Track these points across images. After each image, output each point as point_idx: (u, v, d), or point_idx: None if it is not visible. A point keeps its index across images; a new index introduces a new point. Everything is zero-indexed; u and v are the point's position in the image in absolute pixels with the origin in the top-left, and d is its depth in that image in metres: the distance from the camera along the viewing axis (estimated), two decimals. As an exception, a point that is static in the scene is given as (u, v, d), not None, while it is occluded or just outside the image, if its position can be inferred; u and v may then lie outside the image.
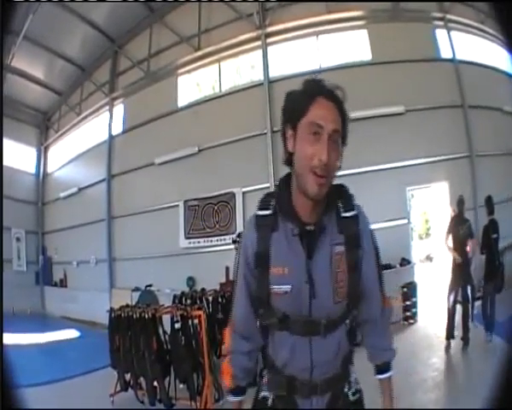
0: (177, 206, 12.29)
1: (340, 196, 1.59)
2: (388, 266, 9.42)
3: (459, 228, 6.66)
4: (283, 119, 1.54)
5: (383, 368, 1.77)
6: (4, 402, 1.32)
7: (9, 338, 10.24)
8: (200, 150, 12.04)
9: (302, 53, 11.16)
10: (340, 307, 1.56)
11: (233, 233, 10.76)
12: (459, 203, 6.85)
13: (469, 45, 11.02)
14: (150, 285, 10.43)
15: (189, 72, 13.02)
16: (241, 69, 12.13)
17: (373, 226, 5.94)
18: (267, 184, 10.84)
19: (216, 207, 11.64)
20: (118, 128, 15.15)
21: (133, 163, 13.43)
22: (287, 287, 1.51)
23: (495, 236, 6.65)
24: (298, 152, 1.47)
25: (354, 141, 6.75)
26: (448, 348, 6.64)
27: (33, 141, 19.87)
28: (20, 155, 19.13)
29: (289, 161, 1.54)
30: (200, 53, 12.41)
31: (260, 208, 1.58)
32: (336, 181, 5.86)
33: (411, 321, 8.95)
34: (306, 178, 1.44)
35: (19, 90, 16.54)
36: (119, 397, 5.93)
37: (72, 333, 12.41)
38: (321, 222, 1.52)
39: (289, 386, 1.61)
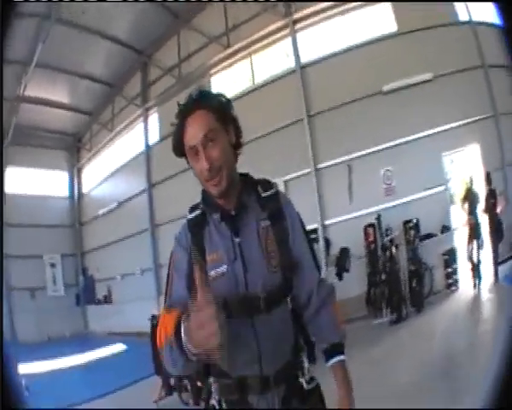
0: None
1: (257, 181, 1.81)
2: (430, 236, 9.96)
3: (472, 197, 9.15)
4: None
5: (332, 352, 1.78)
6: (4, 402, 1.34)
7: (46, 365, 11.10)
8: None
9: (331, 34, 11.58)
10: (277, 278, 1.66)
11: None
12: (470, 181, 9.30)
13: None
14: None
15: (221, 70, 13.69)
16: (273, 59, 12.60)
17: (413, 197, 6.77)
18: (308, 170, 11.45)
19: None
20: (154, 137, 16.00)
21: (173, 169, 13.89)
22: (222, 268, 1.63)
23: (492, 201, 9.05)
24: (193, 170, 1.68)
25: (385, 115, 7.69)
26: (475, 286, 8.93)
27: (64, 165, 20.89)
28: (49, 182, 20.15)
29: None
30: (230, 50, 13.06)
31: (190, 212, 1.77)
32: (373, 156, 8.84)
33: (453, 288, 9.38)
34: (206, 186, 1.66)
35: (44, 118, 17.51)
36: (164, 402, 6.35)
37: (118, 347, 13.13)
38: (241, 204, 1.71)
39: (240, 387, 1.64)
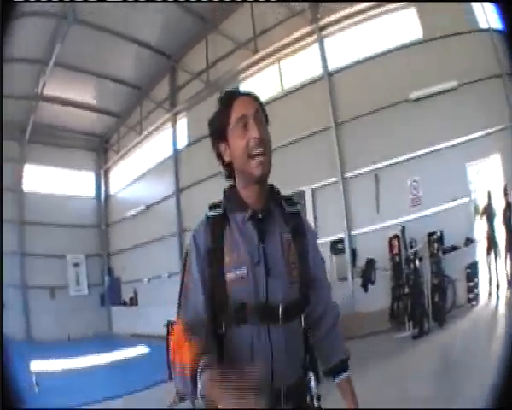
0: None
1: (281, 195, 1.82)
2: (454, 248, 9.85)
3: (489, 211, 9.64)
4: (213, 139, 1.73)
5: (340, 368, 1.84)
6: (4, 402, 1.34)
7: (65, 363, 11.28)
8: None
9: (357, 40, 11.55)
10: (295, 290, 1.67)
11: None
12: (488, 197, 9.73)
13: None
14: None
15: (249, 76, 13.84)
16: (301, 66, 12.64)
17: (438, 208, 7.55)
18: (335, 179, 11.49)
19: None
20: (183, 141, 16.28)
21: (201, 174, 14.22)
22: (242, 270, 1.61)
23: (509, 214, 9.41)
24: (234, 150, 1.65)
25: (411, 124, 9.18)
26: (490, 291, 9.39)
27: (91, 165, 21.38)
28: (75, 182, 20.64)
29: (230, 172, 1.76)
30: (258, 56, 13.16)
31: (210, 209, 1.72)
32: (397, 167, 9.30)
33: (474, 303, 9.24)
34: (248, 166, 1.62)
35: (71, 118, 18.07)
36: (178, 407, 6.39)
37: (141, 350, 13.32)
38: (269, 209, 1.72)
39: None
